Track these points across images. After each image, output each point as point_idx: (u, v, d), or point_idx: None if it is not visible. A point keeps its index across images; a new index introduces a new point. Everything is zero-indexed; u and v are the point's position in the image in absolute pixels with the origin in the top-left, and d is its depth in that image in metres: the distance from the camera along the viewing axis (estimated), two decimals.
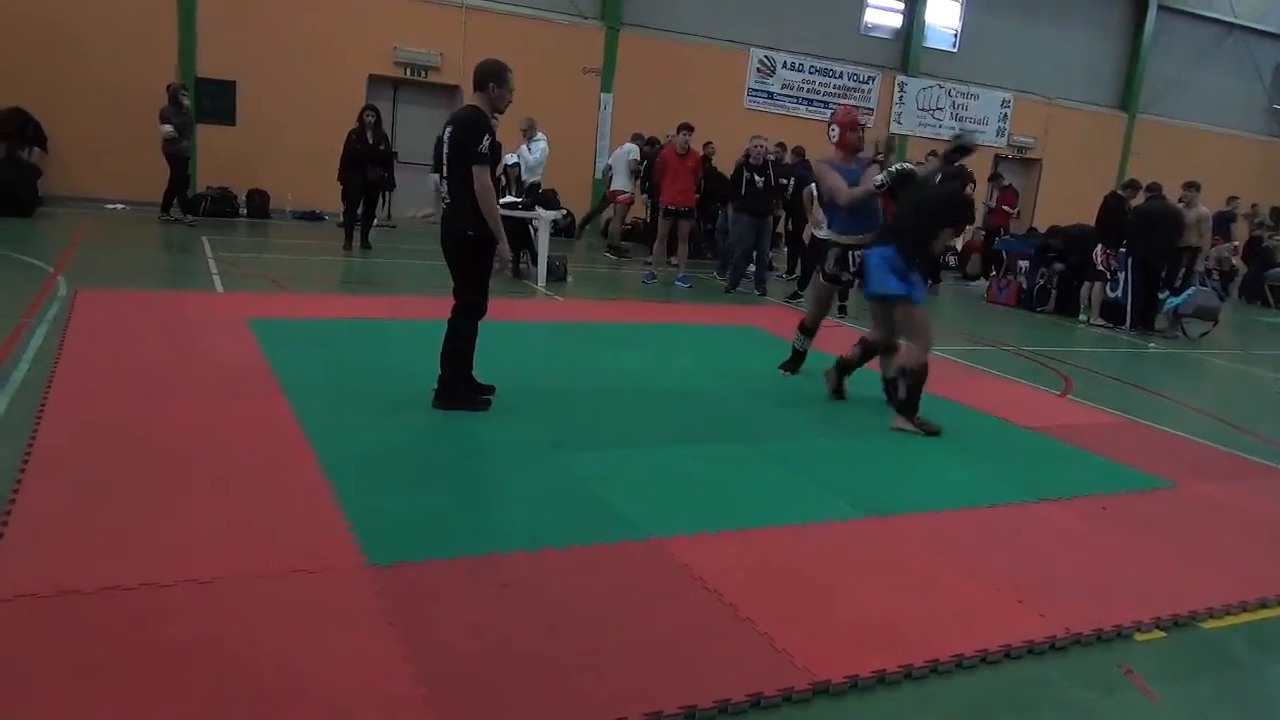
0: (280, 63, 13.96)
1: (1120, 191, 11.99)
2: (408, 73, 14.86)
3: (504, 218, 5.26)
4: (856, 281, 6.76)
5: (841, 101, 17.99)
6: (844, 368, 6.27)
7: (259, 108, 13.94)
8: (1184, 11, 21.21)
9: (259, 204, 13.93)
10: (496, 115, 5.06)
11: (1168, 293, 11.46)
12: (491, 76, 4.95)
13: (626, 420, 5.41)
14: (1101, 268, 11.60)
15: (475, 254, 5.04)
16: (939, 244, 6.07)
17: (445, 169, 4.99)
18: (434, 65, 14.85)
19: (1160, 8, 20.79)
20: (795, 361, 6.94)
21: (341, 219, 11.53)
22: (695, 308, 9.87)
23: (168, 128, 11.81)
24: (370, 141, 11.15)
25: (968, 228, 16.75)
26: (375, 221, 12.02)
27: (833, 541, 3.90)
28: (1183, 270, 11.55)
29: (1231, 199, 17.38)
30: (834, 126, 6.52)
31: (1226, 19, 21.76)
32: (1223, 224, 16.83)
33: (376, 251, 11.45)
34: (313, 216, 14.10)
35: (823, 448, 5.25)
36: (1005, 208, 15.39)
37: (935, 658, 2.97)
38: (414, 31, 14.69)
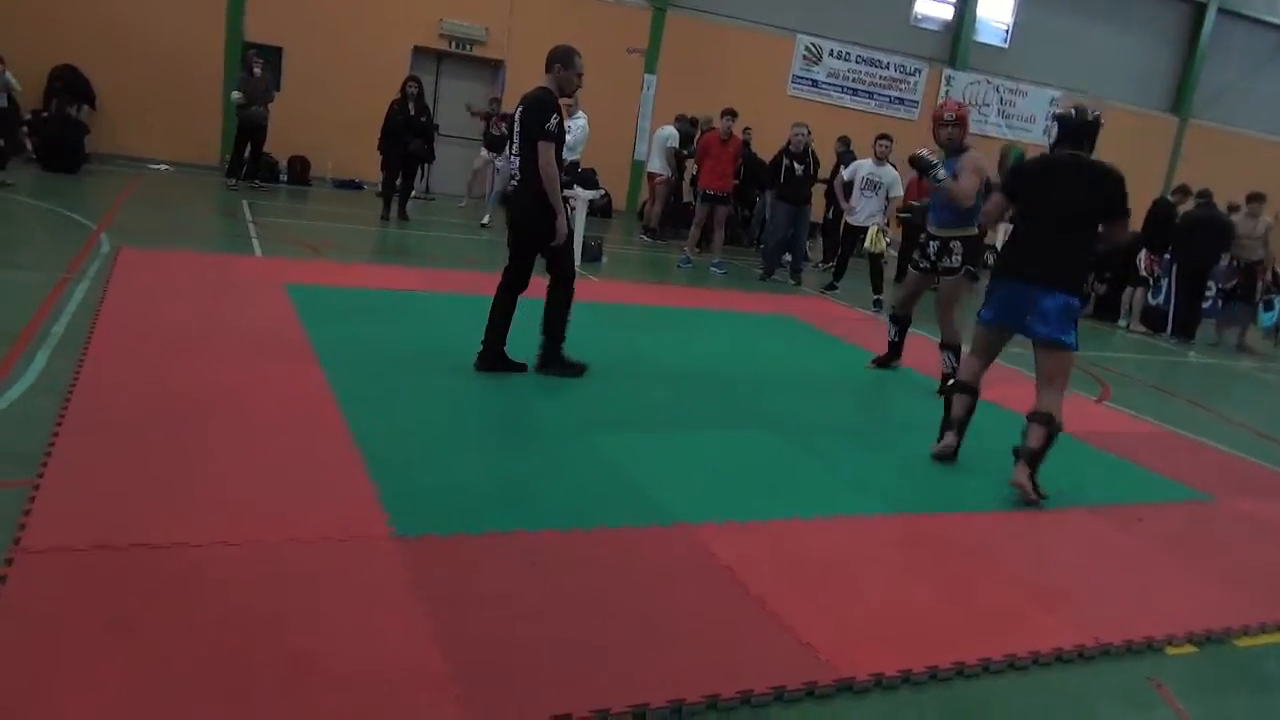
0: (326, 31, 13.99)
1: (1170, 197, 11.76)
2: (452, 45, 14.83)
3: None
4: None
5: (886, 94, 17.82)
6: (959, 427, 5.00)
7: (304, 75, 13.98)
8: (1245, 16, 20.67)
9: (299, 171, 14.00)
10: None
11: (1264, 309, 11.40)
12: (559, 59, 5.21)
13: (658, 404, 5.39)
14: (1145, 274, 11.40)
15: (547, 227, 5.20)
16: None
17: (517, 147, 5.20)
18: (479, 39, 14.81)
19: (1220, 11, 20.27)
20: (891, 354, 6.91)
21: (380, 189, 11.57)
22: (730, 294, 9.82)
23: (236, 94, 12.06)
24: (412, 113, 11.17)
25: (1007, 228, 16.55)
26: (414, 193, 12.05)
27: (863, 537, 3.86)
28: (1260, 284, 11.35)
29: None
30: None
31: None
32: None
33: (414, 224, 11.49)
34: (352, 185, 14.16)
35: (856, 441, 5.19)
36: None
37: (962, 660, 2.93)
38: (460, 4, 14.65)
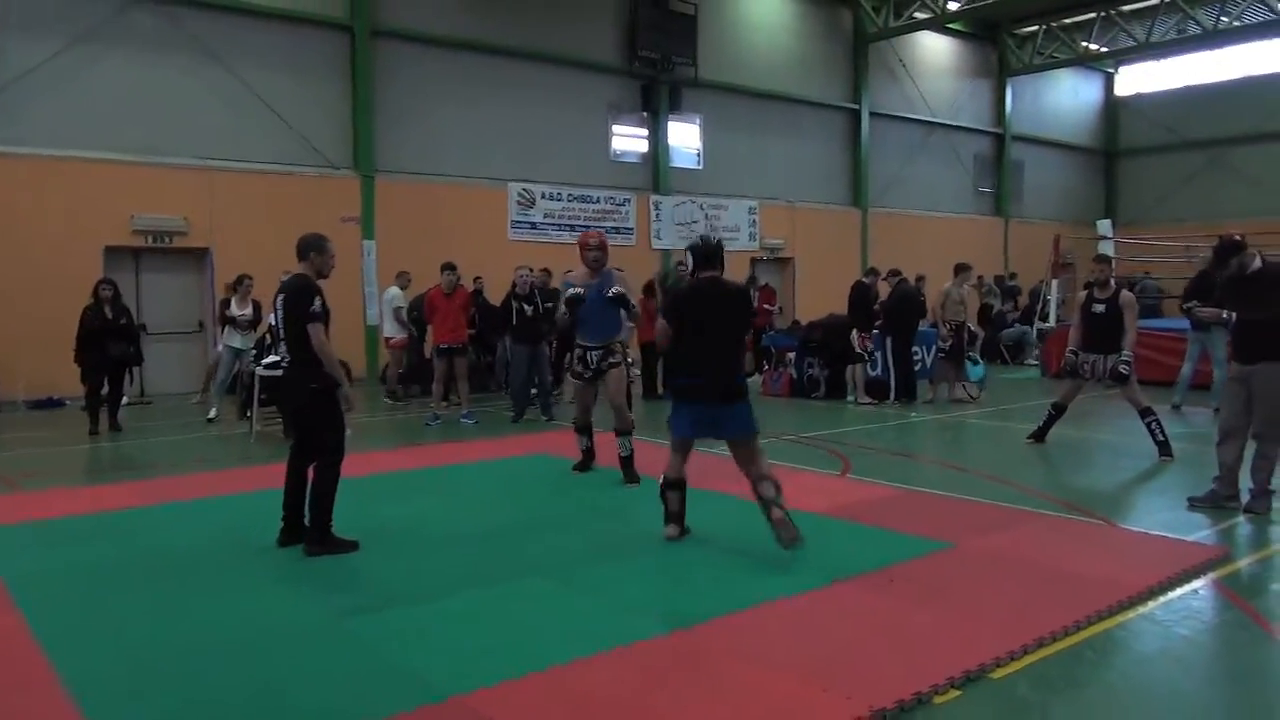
0: (3, 239, 12.91)
1: (864, 279, 13.02)
2: (150, 240, 14.10)
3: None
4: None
5: (601, 225, 18.76)
6: (681, 517, 5.60)
7: None
8: (891, 115, 23.84)
9: None
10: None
11: (972, 364, 13.02)
12: (312, 247, 5.60)
13: (419, 572, 5.13)
14: (859, 350, 12.45)
15: (323, 405, 5.49)
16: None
17: (282, 333, 5.54)
18: (179, 230, 14.19)
19: (872, 114, 23.25)
20: (586, 460, 7.70)
21: (85, 402, 10.58)
22: (483, 443, 9.69)
23: None
24: (109, 316, 10.39)
25: None
26: (125, 400, 11.12)
27: (641, 662, 3.80)
28: (978, 341, 12.92)
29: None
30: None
31: (927, 119, 24.66)
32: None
33: (129, 433, 10.54)
34: (51, 403, 12.88)
35: (623, 567, 5.17)
36: (766, 306, 16.32)
37: None
38: (154, 198, 14.00)
